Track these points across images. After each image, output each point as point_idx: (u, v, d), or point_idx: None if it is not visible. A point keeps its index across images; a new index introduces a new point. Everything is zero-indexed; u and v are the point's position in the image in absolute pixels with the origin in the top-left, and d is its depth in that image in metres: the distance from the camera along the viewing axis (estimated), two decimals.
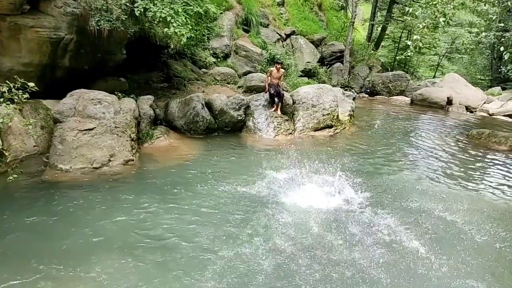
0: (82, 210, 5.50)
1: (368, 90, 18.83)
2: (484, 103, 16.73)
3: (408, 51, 9.69)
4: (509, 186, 7.49)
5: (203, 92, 11.72)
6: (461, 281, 4.35)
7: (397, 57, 23.06)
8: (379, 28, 24.40)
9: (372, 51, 21.35)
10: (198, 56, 13.97)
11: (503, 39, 15.10)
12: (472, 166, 8.64)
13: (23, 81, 6.37)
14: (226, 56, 14.85)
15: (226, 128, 9.78)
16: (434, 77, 24.82)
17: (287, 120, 10.28)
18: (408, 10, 9.52)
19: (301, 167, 7.20)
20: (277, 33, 17.27)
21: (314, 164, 7.27)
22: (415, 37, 9.15)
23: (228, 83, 13.46)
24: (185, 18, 7.90)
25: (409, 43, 9.77)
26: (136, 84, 11.07)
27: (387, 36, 24.67)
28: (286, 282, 4.19)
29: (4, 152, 6.29)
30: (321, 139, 10.06)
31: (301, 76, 16.22)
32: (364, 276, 4.34)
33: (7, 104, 6.25)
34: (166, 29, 7.84)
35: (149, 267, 4.34)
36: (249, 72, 14.12)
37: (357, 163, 8.21)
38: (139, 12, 7.57)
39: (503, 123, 14.15)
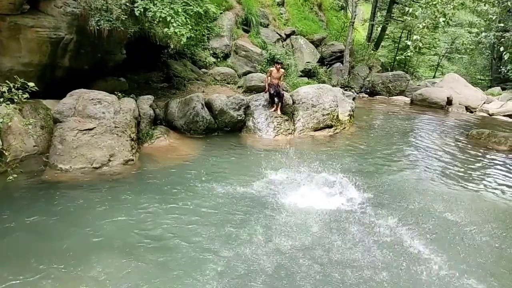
0: (82, 210, 5.50)
1: (368, 90, 18.84)
2: (484, 103, 16.73)
3: (408, 51, 9.70)
4: (509, 186, 7.48)
5: (203, 92, 11.71)
6: (461, 281, 4.35)
7: (397, 57, 23.07)
8: (379, 28, 24.40)
9: (372, 51, 21.35)
10: (198, 56, 13.96)
11: (503, 39, 15.10)
12: (472, 166, 8.64)
13: (23, 81, 6.36)
14: (226, 56, 14.85)
15: (226, 128, 9.78)
16: (434, 77, 24.82)
17: (287, 120, 10.28)
18: (408, 10, 9.53)
19: (301, 167, 7.20)
20: (277, 33, 17.27)
21: (314, 164, 7.27)
22: (415, 37, 9.15)
23: (228, 83, 13.46)
24: (185, 18, 7.90)
25: (409, 43, 9.77)
26: (136, 84, 11.07)
27: (387, 36, 24.67)
28: (286, 282, 4.19)
29: (4, 152, 6.29)
30: (321, 139, 10.06)
31: (301, 76, 16.22)
32: (364, 276, 4.34)
33: (7, 104, 6.24)
34: (166, 29, 7.84)
35: (150, 267, 4.34)
36: (249, 72, 14.12)
37: (357, 163, 8.21)
38: (139, 12, 7.57)
39: (503, 123, 14.15)
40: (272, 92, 10.14)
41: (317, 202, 6.03)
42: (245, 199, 6.10)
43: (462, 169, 8.36)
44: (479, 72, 27.66)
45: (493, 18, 12.36)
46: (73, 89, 7.61)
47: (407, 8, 9.96)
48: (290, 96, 10.79)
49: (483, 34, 17.22)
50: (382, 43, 24.65)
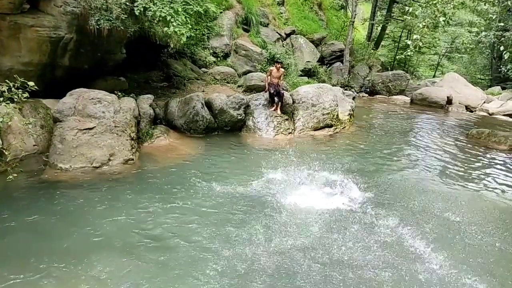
0: (82, 209, 5.50)
1: (368, 90, 18.84)
2: (484, 102, 16.73)
3: (408, 50, 9.70)
4: (509, 186, 7.48)
5: (203, 91, 11.71)
6: (461, 281, 4.35)
7: (397, 57, 23.06)
8: (379, 28, 24.40)
9: (372, 51, 21.35)
10: (198, 55, 13.95)
11: (503, 39, 15.11)
12: (472, 166, 8.64)
13: (23, 80, 6.37)
14: (226, 56, 14.84)
15: (226, 128, 9.78)
16: (434, 76, 24.80)
17: (287, 119, 10.28)
18: (408, 10, 9.53)
19: (301, 166, 7.21)
20: (277, 32, 17.26)
21: (314, 163, 7.28)
22: (415, 36, 9.16)
23: (228, 83, 13.45)
24: (185, 17, 7.89)
25: (409, 42, 9.78)
26: (136, 84, 11.07)
27: (387, 36, 24.67)
28: (287, 282, 4.19)
29: (4, 151, 6.29)
30: (321, 138, 10.06)
31: (301, 75, 16.21)
32: (365, 276, 4.34)
33: (7, 103, 6.25)
34: (166, 29, 7.83)
35: (150, 266, 4.34)
36: (249, 71, 14.11)
37: (357, 163, 8.21)
38: (138, 11, 7.56)
39: (503, 122, 14.15)
40: (272, 91, 10.13)
41: (317, 201, 6.03)
42: (245, 198, 6.10)
43: (462, 169, 8.36)
44: (479, 72, 27.66)
45: (493, 18, 12.37)
46: (73, 88, 7.60)
47: (407, 8, 9.98)
48: (290, 95, 10.79)
49: (483, 33, 17.23)
50: (382, 43, 24.64)
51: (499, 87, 20.68)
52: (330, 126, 10.61)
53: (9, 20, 7.07)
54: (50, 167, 6.80)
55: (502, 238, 5.42)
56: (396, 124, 12.33)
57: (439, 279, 4.37)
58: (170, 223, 5.26)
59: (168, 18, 7.55)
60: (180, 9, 7.78)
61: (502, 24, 14.99)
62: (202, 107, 9.43)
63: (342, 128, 10.88)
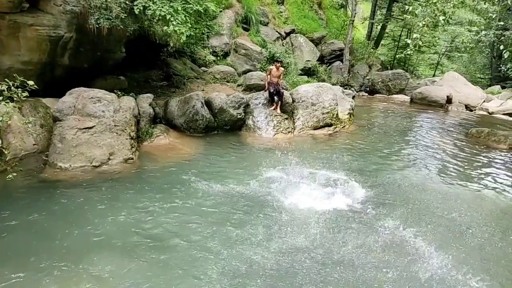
0: (82, 209, 5.50)
1: (368, 89, 18.83)
2: (484, 101, 16.74)
3: (408, 49, 9.70)
4: (509, 185, 7.49)
5: (203, 90, 11.70)
6: (462, 281, 4.36)
7: (397, 56, 23.06)
8: (379, 27, 24.38)
9: (372, 50, 21.34)
10: (197, 54, 13.94)
11: (502, 38, 15.10)
12: (472, 165, 8.65)
13: (23, 79, 6.37)
14: (226, 55, 14.82)
15: (226, 127, 9.78)
16: (433, 75, 24.78)
17: (286, 118, 10.28)
18: (408, 9, 9.53)
19: (301, 166, 7.21)
20: (277, 31, 17.24)
21: (314, 163, 7.28)
22: (415, 35, 9.15)
23: (227, 82, 13.44)
24: (185, 16, 7.88)
25: (409, 41, 9.77)
26: (136, 83, 11.06)
27: (387, 35, 24.66)
28: (287, 282, 4.19)
29: (4, 150, 6.29)
30: (320, 137, 10.06)
31: (300, 74, 16.19)
32: (365, 276, 4.34)
33: (6, 102, 6.24)
34: (165, 28, 7.82)
35: (151, 265, 4.34)
36: (249, 70, 14.10)
37: (357, 162, 8.21)
38: (138, 10, 7.55)
39: (503, 121, 14.15)
40: (271, 90, 10.13)
41: (318, 201, 6.03)
42: (245, 198, 6.10)
43: (462, 168, 8.36)
44: (479, 71, 27.65)
45: (493, 17, 12.37)
46: (72, 87, 7.59)
47: (407, 7, 9.98)
48: (290, 94, 10.79)
49: (483, 32, 17.24)
50: (382, 42, 24.64)
51: (499, 86, 20.69)
52: (330, 125, 10.61)
53: (9, 19, 7.06)
54: (49, 166, 6.80)
55: (503, 237, 5.43)
56: (396, 123, 12.33)
57: (439, 279, 4.37)
58: (170, 223, 5.26)
59: (168, 17, 7.54)
60: (179, 8, 7.77)
61: (502, 23, 14.97)
62: (202, 106, 9.43)
63: (342, 127, 10.88)
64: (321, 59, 18.25)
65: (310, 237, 5.06)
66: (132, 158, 7.38)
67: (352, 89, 17.33)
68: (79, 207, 5.53)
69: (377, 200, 6.32)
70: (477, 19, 21.77)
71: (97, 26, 7.78)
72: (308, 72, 16.80)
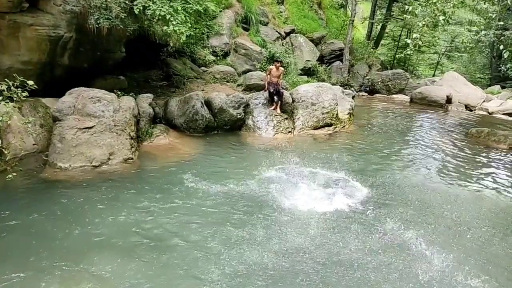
0: (82, 209, 5.49)
1: (368, 89, 18.83)
2: (484, 101, 16.74)
3: (408, 49, 9.70)
4: (509, 185, 7.49)
5: (203, 90, 11.70)
6: (462, 281, 4.36)
7: (397, 56, 23.05)
8: (379, 27, 24.37)
9: (372, 50, 21.33)
10: (197, 54, 13.93)
11: (502, 38, 15.10)
12: (472, 165, 8.65)
13: (22, 79, 6.36)
14: (226, 55, 14.82)
15: (226, 127, 9.78)
16: (433, 75, 24.79)
17: (286, 118, 10.27)
18: (408, 9, 9.52)
19: (301, 166, 7.21)
20: (277, 31, 17.23)
21: (314, 163, 7.28)
22: (414, 35, 9.14)
23: (227, 82, 13.44)
24: (185, 16, 7.88)
25: (408, 41, 9.77)
26: (136, 83, 11.05)
27: (386, 35, 24.65)
28: (287, 282, 4.19)
29: (4, 150, 6.29)
30: (320, 137, 10.06)
31: (300, 74, 16.19)
32: (365, 276, 4.35)
33: (6, 102, 6.24)
34: (165, 27, 7.82)
35: (151, 265, 4.34)
36: (249, 70, 14.10)
37: (357, 162, 8.21)
38: (138, 10, 7.54)
39: (503, 121, 14.16)
40: (271, 90, 10.13)
41: (318, 201, 6.04)
42: (244, 198, 6.10)
43: (462, 168, 8.36)
44: (478, 71, 27.66)
45: (493, 17, 12.37)
46: (72, 87, 7.59)
47: (406, 6, 9.97)
48: (290, 94, 10.79)
49: (483, 32, 17.23)
50: (382, 42, 24.63)
51: (498, 86, 20.70)
52: (329, 125, 10.61)
53: (8, 19, 7.06)
54: (49, 166, 6.80)
55: (503, 238, 5.43)
56: (395, 123, 12.33)
57: (439, 279, 4.37)
58: (170, 223, 5.26)
59: (168, 17, 7.54)
60: (179, 8, 7.77)
61: (501, 23, 14.97)
62: (201, 106, 9.42)
63: (342, 127, 10.88)
64: (321, 59, 18.24)
65: (310, 238, 5.06)
66: (132, 158, 7.38)
67: (352, 89, 17.34)
68: (79, 207, 5.53)
69: (377, 200, 6.33)
70: (477, 19, 21.78)
71: (97, 26, 7.78)
72: (308, 72, 16.80)
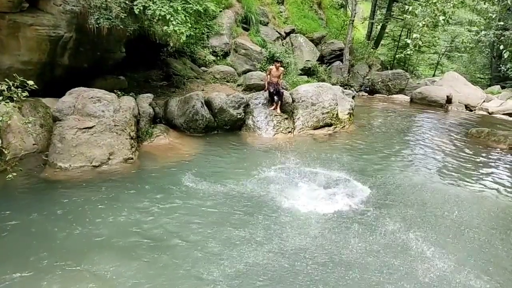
0: (82, 209, 5.49)
1: (368, 89, 18.83)
2: (484, 101, 16.74)
3: (408, 49, 9.70)
4: (509, 185, 7.49)
5: (203, 90, 11.70)
6: (462, 281, 4.36)
7: (397, 56, 23.05)
8: (379, 27, 24.37)
9: (372, 50, 21.33)
10: (197, 54, 13.93)
11: (502, 38, 15.11)
12: (472, 165, 8.64)
13: (22, 79, 6.36)
14: (226, 55, 14.82)
15: (226, 127, 9.77)
16: (433, 75, 24.78)
17: (286, 118, 10.27)
18: (408, 9, 9.53)
19: (301, 166, 7.21)
20: (277, 31, 17.23)
21: (314, 163, 7.28)
22: (414, 35, 9.14)
23: (227, 82, 13.44)
24: (185, 16, 7.88)
25: (408, 41, 9.77)
26: (136, 83, 11.05)
27: (386, 35, 24.64)
28: (288, 282, 4.18)
29: (4, 150, 6.29)
30: (320, 137, 10.06)
31: (300, 74, 16.19)
32: (366, 277, 4.34)
33: (6, 102, 6.24)
34: (165, 27, 7.82)
35: (151, 266, 4.34)
36: (249, 70, 14.10)
37: (357, 162, 8.21)
38: (138, 10, 7.54)
39: (503, 121, 14.15)
40: (271, 90, 10.13)
41: (318, 201, 6.03)
42: (245, 198, 6.09)
43: (462, 168, 8.36)
44: (478, 71, 27.65)
45: (493, 17, 12.37)
46: (72, 87, 7.59)
47: (407, 7, 9.97)
48: (290, 94, 10.79)
49: (483, 32, 17.25)
50: (382, 42, 24.62)
51: (498, 86, 20.69)
52: (329, 125, 10.61)
53: (8, 19, 7.06)
54: (49, 166, 6.80)
55: (503, 238, 5.43)
56: (395, 123, 12.33)
57: (440, 279, 4.37)
58: (170, 223, 5.26)
59: (168, 17, 7.54)
60: (179, 8, 7.77)
61: (502, 23, 14.97)
62: (201, 106, 9.42)
63: (342, 127, 10.87)
64: (321, 59, 18.24)
65: (311, 238, 5.05)
66: (132, 158, 7.38)
67: (352, 89, 17.32)
68: (79, 207, 5.53)
69: (377, 200, 6.32)
70: (477, 19, 21.77)
71: (97, 26, 7.78)
72: (308, 72, 16.80)
